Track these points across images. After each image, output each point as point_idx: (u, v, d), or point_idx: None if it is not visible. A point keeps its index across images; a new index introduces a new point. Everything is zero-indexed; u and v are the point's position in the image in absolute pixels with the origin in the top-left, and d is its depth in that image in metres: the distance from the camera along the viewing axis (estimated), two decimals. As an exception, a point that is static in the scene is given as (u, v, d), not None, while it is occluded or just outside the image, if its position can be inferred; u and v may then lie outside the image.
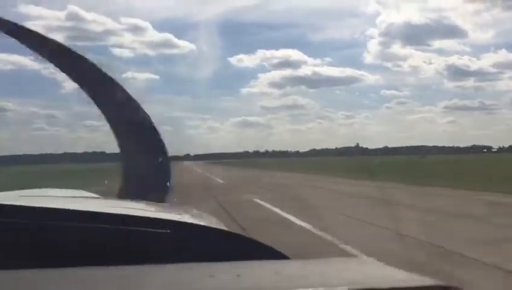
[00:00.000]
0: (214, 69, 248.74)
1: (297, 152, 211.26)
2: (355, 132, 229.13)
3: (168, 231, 0.95)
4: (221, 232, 1.06)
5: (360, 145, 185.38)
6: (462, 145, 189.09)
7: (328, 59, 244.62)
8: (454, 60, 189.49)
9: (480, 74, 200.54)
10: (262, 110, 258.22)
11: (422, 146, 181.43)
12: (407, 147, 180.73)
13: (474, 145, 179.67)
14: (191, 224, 1.07)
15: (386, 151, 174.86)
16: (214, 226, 1.13)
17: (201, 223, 1.10)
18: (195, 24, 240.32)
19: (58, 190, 1.81)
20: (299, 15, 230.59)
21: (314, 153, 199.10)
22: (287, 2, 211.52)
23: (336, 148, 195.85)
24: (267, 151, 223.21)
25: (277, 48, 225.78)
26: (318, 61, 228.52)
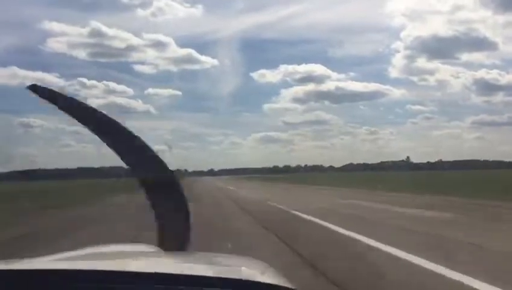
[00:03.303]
0: (236, 85, 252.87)
1: (332, 167, 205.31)
2: (380, 147, 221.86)
3: None
4: None
5: (411, 159, 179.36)
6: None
7: (352, 74, 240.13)
8: (482, 74, 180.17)
9: (509, 88, 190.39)
10: (284, 125, 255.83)
11: (474, 160, 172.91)
12: (457, 161, 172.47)
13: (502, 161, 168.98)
14: (256, 283, 1.10)
15: (433, 166, 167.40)
16: (279, 283, 1.14)
17: (268, 281, 1.13)
18: (218, 40, 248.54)
19: (120, 245, 1.94)
20: (323, 30, 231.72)
21: (351, 167, 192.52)
22: (309, 17, 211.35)
23: (382, 162, 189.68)
24: (298, 166, 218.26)
25: (299, 63, 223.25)
26: (342, 75, 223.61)
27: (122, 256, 1.63)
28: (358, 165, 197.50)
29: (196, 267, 1.32)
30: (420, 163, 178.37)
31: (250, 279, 1.13)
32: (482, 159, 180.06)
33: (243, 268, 1.35)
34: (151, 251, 1.79)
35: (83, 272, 1.11)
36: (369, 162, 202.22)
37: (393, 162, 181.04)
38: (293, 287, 1.11)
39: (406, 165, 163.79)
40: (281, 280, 1.20)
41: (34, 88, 1.81)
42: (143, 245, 1.92)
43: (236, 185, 44.30)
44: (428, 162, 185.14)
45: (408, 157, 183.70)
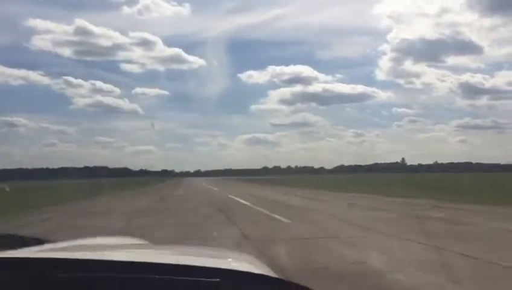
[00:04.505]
0: (224, 85, 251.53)
1: (323, 168, 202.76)
2: (368, 149, 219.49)
3: (218, 279, 0.99)
4: (272, 280, 1.09)
5: (406, 161, 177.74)
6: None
7: (339, 75, 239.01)
8: (467, 77, 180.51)
9: (493, 92, 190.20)
10: (272, 127, 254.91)
11: (468, 163, 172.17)
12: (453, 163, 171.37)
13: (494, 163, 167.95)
14: (242, 272, 1.10)
15: (428, 168, 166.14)
16: (265, 273, 1.17)
17: (254, 271, 1.15)
18: (205, 40, 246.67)
19: (107, 238, 1.96)
20: (310, 32, 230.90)
21: (343, 169, 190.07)
22: (297, 19, 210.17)
23: (377, 163, 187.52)
24: (289, 168, 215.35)
25: (287, 64, 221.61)
26: (329, 77, 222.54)
27: (108, 248, 1.63)
28: (350, 166, 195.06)
29: (183, 258, 1.36)
30: (414, 165, 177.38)
31: (238, 269, 1.14)
32: (475, 162, 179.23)
33: (230, 259, 1.39)
34: (138, 243, 1.86)
35: (64, 261, 1.11)
36: (362, 164, 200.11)
37: (388, 164, 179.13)
38: (279, 277, 1.13)
39: (401, 167, 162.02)
40: (266, 271, 1.23)
41: None
42: (130, 238, 2.00)
43: (238, 190, 33.61)
44: (419, 164, 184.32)
45: (403, 159, 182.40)
